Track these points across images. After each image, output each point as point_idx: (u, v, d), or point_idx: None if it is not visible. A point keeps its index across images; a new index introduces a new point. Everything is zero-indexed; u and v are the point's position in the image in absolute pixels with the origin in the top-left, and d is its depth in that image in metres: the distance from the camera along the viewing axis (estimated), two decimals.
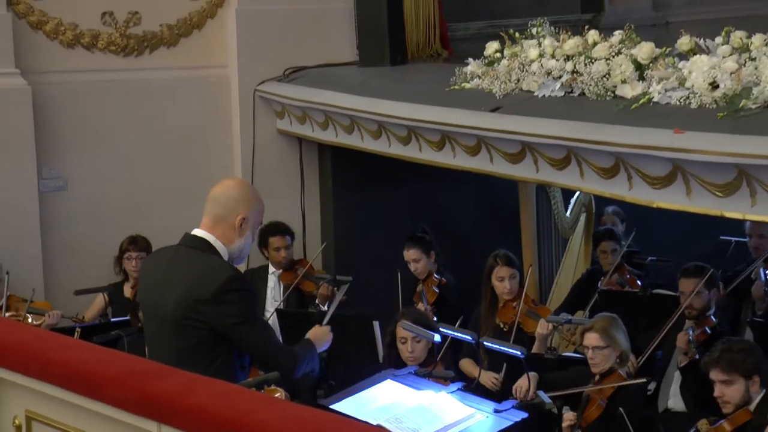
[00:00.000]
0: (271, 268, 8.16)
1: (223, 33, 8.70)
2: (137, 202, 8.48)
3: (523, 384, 6.02)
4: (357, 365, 6.25)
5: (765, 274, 7.32)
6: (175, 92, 8.61)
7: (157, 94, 8.56)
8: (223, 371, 4.26)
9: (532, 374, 6.03)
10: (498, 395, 6.13)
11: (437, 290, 7.63)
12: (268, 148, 8.76)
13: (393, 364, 6.07)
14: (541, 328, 6.72)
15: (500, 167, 6.78)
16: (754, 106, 5.23)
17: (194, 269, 4.46)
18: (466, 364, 6.86)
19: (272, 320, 7.33)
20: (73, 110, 8.31)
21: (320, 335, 4.86)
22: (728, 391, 5.52)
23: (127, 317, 7.28)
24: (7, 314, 7.32)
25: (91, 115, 8.38)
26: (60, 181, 8.33)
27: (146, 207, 8.47)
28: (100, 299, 7.93)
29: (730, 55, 5.60)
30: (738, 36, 5.71)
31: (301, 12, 8.69)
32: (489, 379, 6.58)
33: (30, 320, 7.34)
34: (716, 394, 5.56)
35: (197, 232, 4.54)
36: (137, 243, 8.00)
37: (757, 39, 5.62)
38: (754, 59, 5.48)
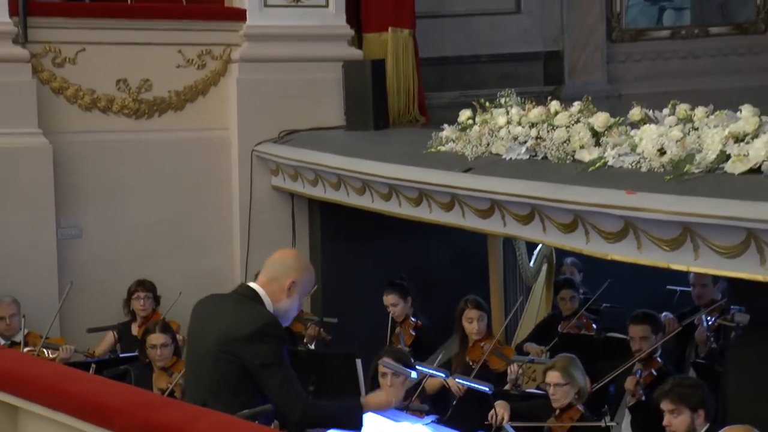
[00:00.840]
0: None
1: (225, 99, 8.73)
2: (145, 249, 8.46)
3: (496, 412, 6.00)
4: (341, 399, 6.19)
5: (707, 321, 7.34)
6: (180, 151, 8.63)
7: (164, 153, 8.57)
8: (244, 410, 4.19)
9: (503, 402, 6.01)
10: (468, 428, 6.10)
11: (413, 333, 7.60)
12: (263, 202, 8.76)
13: None
14: (512, 373, 6.76)
15: (471, 222, 6.80)
16: (697, 171, 5.27)
17: (238, 310, 4.48)
18: (429, 382, 6.65)
19: None
20: (89, 167, 8.33)
21: (380, 403, 4.77)
22: (675, 421, 5.51)
23: (135, 353, 7.23)
24: (25, 349, 7.28)
25: (105, 172, 8.39)
26: (76, 230, 8.32)
27: (153, 254, 8.45)
28: (110, 336, 7.88)
29: (676, 125, 5.65)
30: (683, 108, 5.76)
31: (295, 81, 8.73)
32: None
33: (46, 353, 7.30)
34: (665, 423, 5.55)
35: (252, 284, 4.57)
36: (144, 286, 7.98)
37: (700, 111, 5.68)
38: (697, 129, 5.52)
